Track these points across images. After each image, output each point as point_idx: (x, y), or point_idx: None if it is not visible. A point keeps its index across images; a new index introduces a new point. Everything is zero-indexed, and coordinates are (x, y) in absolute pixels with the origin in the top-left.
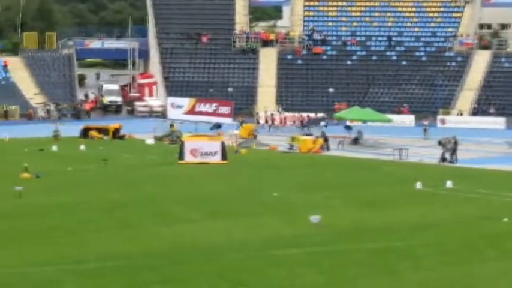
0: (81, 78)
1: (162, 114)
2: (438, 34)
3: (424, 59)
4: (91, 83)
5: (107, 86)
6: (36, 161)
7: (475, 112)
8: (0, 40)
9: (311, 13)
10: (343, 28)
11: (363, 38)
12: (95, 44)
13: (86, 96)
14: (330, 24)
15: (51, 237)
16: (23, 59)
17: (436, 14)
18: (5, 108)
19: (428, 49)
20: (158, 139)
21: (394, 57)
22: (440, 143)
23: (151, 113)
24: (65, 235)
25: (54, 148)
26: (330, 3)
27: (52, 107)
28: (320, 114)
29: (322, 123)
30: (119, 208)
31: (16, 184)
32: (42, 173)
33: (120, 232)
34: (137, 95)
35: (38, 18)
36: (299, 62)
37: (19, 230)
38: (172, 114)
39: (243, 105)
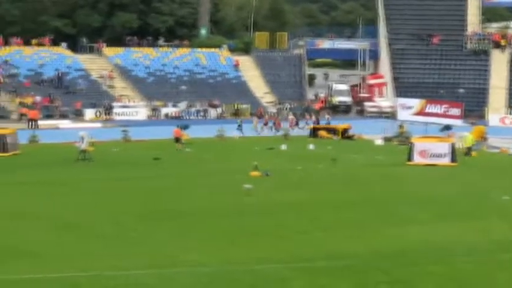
0: (311, 78)
1: (392, 115)
2: None
3: None
4: (320, 83)
5: (336, 86)
6: (266, 160)
7: None
8: (232, 39)
9: None
10: None
11: None
12: (325, 44)
13: (316, 96)
14: None
15: (280, 235)
16: (254, 58)
17: None
18: (236, 107)
19: None
20: (387, 140)
21: None
22: None
23: (380, 114)
24: (294, 233)
25: (283, 147)
26: None
27: (286, 107)
28: None
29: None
30: (348, 207)
31: (246, 182)
32: (270, 172)
33: (348, 231)
34: (367, 95)
35: (270, 18)
36: None
37: (249, 227)
38: (402, 115)
39: (474, 107)
